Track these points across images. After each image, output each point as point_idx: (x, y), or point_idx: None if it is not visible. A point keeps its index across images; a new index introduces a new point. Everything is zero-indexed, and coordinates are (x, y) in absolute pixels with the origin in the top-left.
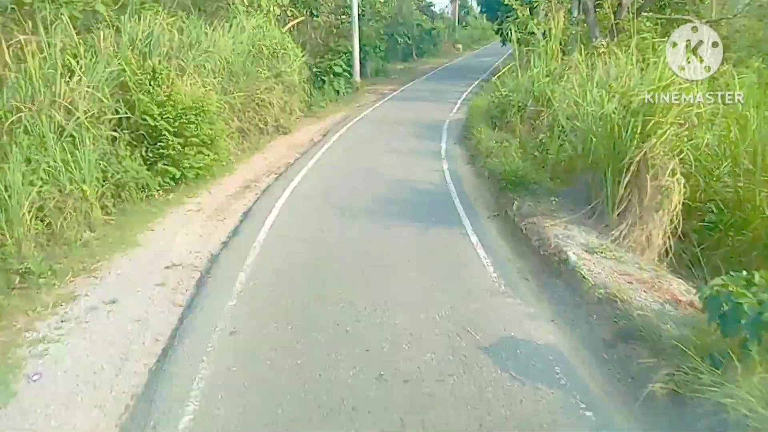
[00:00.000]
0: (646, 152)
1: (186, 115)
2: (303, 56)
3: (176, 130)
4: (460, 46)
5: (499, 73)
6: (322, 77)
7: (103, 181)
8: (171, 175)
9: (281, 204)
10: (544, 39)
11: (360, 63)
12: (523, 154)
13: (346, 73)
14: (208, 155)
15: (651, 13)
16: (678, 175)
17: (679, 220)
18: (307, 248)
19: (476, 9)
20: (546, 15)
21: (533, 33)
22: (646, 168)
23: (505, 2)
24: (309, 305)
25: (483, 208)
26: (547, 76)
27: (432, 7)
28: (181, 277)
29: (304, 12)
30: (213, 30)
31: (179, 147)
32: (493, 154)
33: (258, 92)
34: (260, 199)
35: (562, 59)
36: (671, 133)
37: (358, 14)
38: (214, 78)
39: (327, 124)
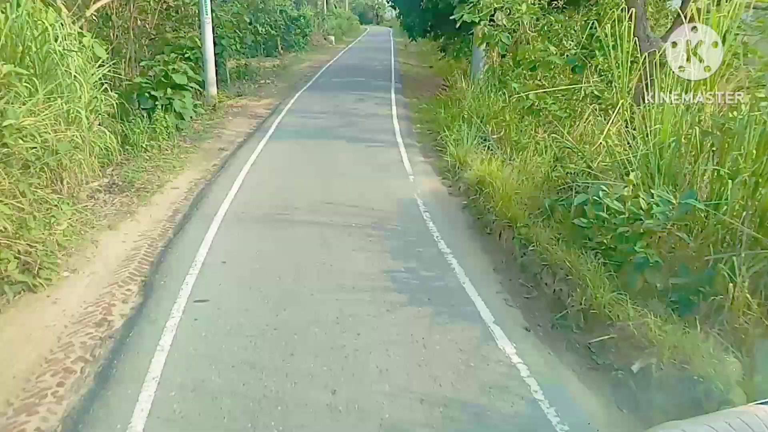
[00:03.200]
0: None
1: None
2: (106, 63)
3: None
4: (332, 38)
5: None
6: (152, 93)
7: None
8: None
9: None
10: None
11: (216, 64)
12: None
13: (193, 84)
14: None
15: None
16: None
17: None
18: None
19: None
20: None
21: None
22: None
23: None
24: None
25: None
26: None
27: None
28: None
29: None
30: None
31: None
32: None
33: None
34: None
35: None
36: None
37: None
38: None
39: (154, 225)
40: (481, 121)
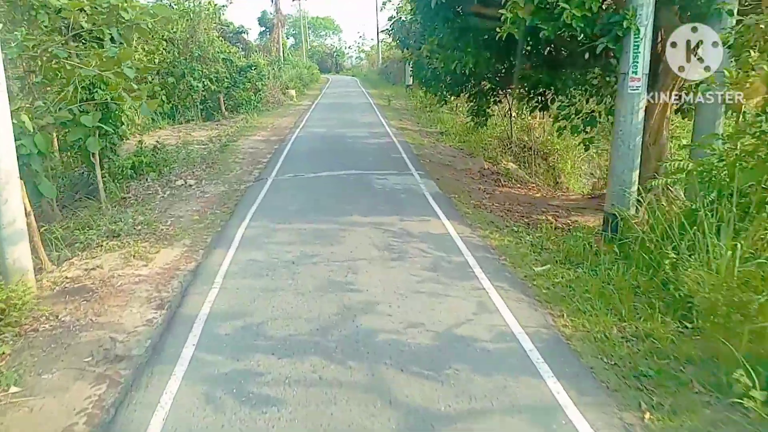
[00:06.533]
0: None
1: None
2: None
3: None
4: (292, 92)
5: None
6: None
7: None
8: None
9: None
10: None
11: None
12: None
13: None
14: None
15: None
16: None
17: None
18: None
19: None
20: None
21: None
22: None
23: None
24: None
25: None
26: None
27: (244, 34)
28: None
29: None
30: None
31: None
32: None
33: None
34: None
35: None
36: None
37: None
38: None
39: None
40: None
